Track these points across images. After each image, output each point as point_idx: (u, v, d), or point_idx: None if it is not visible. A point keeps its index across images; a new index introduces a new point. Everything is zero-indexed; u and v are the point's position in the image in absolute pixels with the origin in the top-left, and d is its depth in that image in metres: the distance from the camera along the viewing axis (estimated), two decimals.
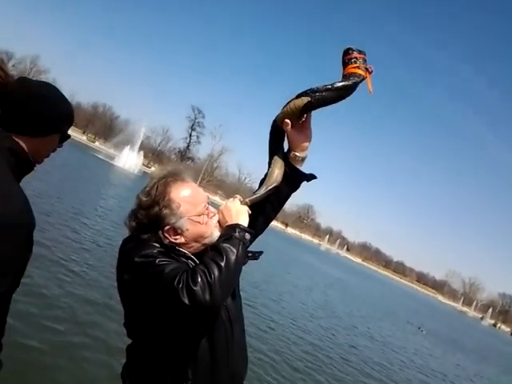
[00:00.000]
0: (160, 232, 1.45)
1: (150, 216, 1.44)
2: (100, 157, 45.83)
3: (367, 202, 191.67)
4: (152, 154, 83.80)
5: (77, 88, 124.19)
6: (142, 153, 56.66)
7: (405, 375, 9.08)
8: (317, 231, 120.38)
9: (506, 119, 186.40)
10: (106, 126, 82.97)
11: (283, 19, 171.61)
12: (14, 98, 1.39)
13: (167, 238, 1.45)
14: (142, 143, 59.71)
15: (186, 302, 1.23)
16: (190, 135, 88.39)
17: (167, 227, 1.44)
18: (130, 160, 51.90)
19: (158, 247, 1.42)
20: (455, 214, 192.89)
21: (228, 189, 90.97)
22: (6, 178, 1.33)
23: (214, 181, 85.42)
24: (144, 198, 1.46)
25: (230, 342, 1.51)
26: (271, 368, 5.90)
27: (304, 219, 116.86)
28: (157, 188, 1.46)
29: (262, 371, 5.54)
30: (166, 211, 1.43)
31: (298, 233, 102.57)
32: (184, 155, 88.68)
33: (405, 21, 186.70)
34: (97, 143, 73.26)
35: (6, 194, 1.32)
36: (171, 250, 1.44)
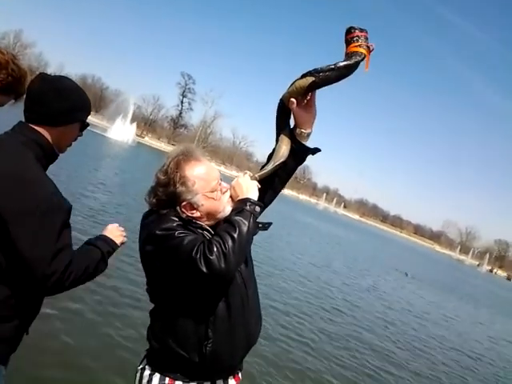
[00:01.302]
0: (178, 207, 1.56)
1: (167, 193, 1.55)
2: (93, 130, 44.33)
3: (363, 159, 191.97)
4: (144, 123, 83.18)
5: (64, 60, 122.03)
6: (134, 123, 56.00)
7: (389, 316, 9.78)
8: (314, 191, 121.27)
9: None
10: (96, 98, 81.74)
11: None
12: (35, 92, 1.55)
13: (184, 212, 1.57)
14: (133, 113, 58.92)
15: (204, 270, 1.37)
16: (182, 102, 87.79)
17: (184, 203, 1.56)
18: (122, 131, 51.31)
19: (176, 221, 1.53)
20: (450, 166, 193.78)
21: (223, 154, 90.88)
22: (34, 167, 1.49)
23: (208, 147, 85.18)
24: (162, 177, 1.57)
25: (245, 303, 1.65)
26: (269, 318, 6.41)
27: (300, 180, 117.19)
28: (173, 167, 1.56)
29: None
30: (182, 188, 1.54)
31: (295, 194, 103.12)
32: (177, 123, 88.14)
33: None
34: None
35: (36, 181, 1.47)
36: (188, 223, 1.56)
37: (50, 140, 1.56)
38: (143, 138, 73.98)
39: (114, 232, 1.82)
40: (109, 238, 1.78)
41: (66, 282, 1.50)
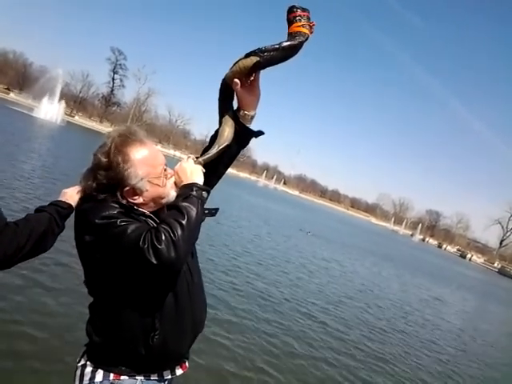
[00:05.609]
0: (118, 192, 1.47)
1: (109, 177, 1.45)
2: (18, 109, 42.16)
3: (300, 136, 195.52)
4: (74, 101, 79.09)
5: None
6: (63, 101, 53.28)
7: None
8: (254, 168, 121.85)
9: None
10: (20, 75, 76.50)
11: None
12: None
13: (125, 198, 1.49)
14: (61, 91, 55.86)
15: (153, 260, 1.28)
16: (113, 79, 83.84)
17: (127, 188, 1.48)
18: (50, 110, 48.96)
19: (117, 207, 1.43)
20: (383, 139, 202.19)
21: (159, 132, 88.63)
22: None
23: (143, 125, 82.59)
24: (103, 159, 1.46)
25: (191, 291, 1.60)
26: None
27: (240, 158, 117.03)
28: (116, 149, 1.47)
29: None
30: (126, 173, 1.46)
31: (235, 172, 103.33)
32: (109, 100, 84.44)
33: None
34: (12, 94, 67.63)
35: None
36: (130, 210, 1.47)
37: None
38: (73, 117, 70.45)
39: (68, 193, 1.74)
40: (58, 200, 1.70)
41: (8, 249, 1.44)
